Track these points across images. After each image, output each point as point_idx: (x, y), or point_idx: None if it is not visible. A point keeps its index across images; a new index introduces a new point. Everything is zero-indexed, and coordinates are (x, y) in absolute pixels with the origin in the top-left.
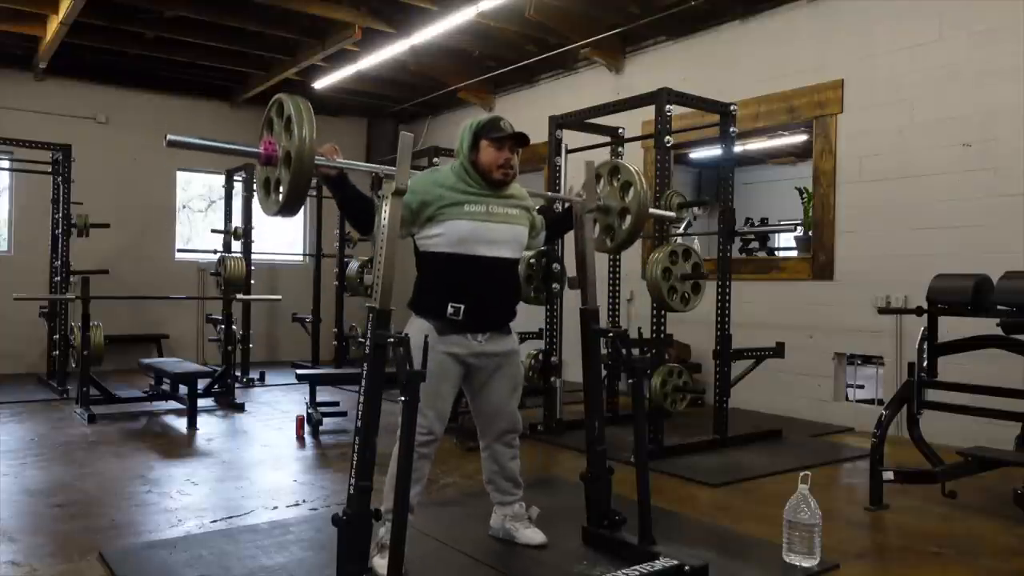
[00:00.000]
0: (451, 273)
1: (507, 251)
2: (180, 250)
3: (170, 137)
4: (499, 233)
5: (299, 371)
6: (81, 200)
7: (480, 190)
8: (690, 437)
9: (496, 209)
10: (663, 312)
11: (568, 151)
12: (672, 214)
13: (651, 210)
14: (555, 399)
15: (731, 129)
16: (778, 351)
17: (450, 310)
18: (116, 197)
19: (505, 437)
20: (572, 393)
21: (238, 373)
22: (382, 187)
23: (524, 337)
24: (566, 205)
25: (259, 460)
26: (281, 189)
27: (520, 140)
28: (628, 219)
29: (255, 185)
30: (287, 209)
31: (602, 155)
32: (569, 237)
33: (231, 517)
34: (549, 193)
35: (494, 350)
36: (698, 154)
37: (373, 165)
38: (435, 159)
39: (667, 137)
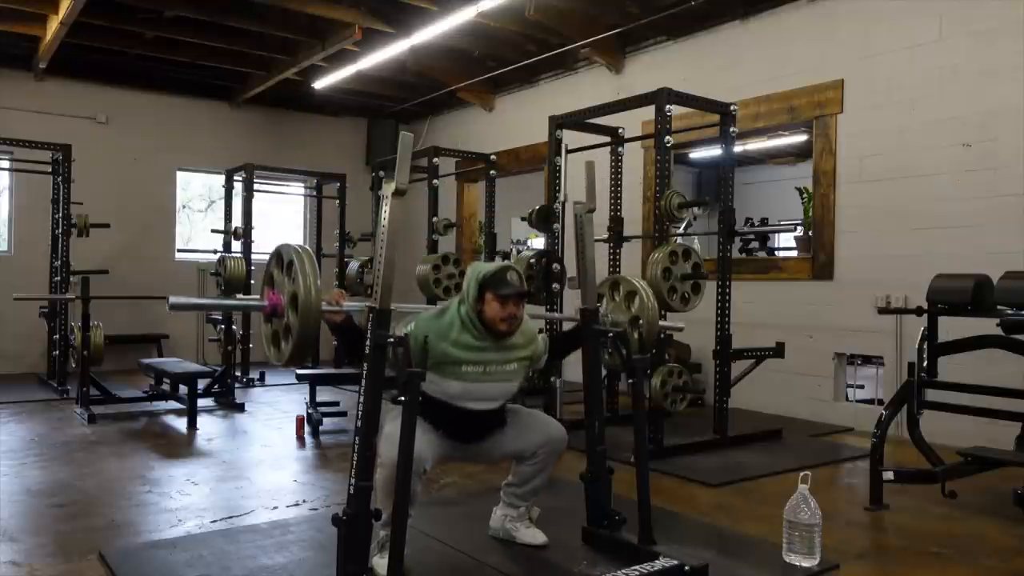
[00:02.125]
0: (440, 413)
1: (496, 404)
2: (180, 250)
3: (172, 300)
4: (491, 392)
5: (299, 371)
6: (81, 200)
7: (481, 342)
8: (690, 437)
9: (493, 368)
10: (663, 312)
11: (568, 151)
12: (680, 325)
13: (660, 322)
14: (555, 399)
15: (731, 129)
16: (778, 351)
17: (433, 425)
18: (116, 197)
19: (556, 447)
20: (572, 393)
21: (238, 373)
22: (382, 187)
23: None
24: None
25: (259, 460)
26: (290, 336)
27: (526, 296)
28: (641, 325)
29: (264, 342)
30: (298, 357)
31: (602, 155)
32: (569, 237)
33: (231, 517)
34: (556, 315)
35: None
36: (698, 154)
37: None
38: (435, 159)
39: (667, 137)
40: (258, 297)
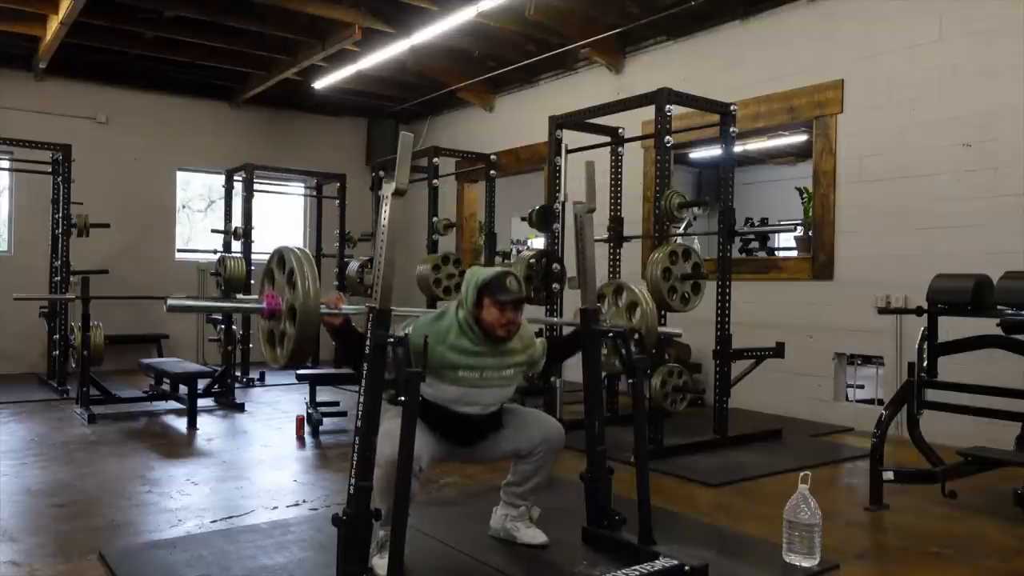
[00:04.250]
0: (436, 415)
1: (491, 409)
2: (180, 250)
3: (170, 302)
4: (486, 398)
5: (299, 371)
6: (81, 200)
7: (479, 347)
8: (690, 437)
9: (490, 373)
10: (663, 312)
11: (568, 151)
12: (679, 331)
13: (659, 329)
14: (555, 399)
15: (731, 129)
16: (778, 351)
17: (431, 428)
18: (116, 197)
19: (554, 445)
20: (572, 393)
21: (238, 373)
22: (382, 187)
23: None
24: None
25: (259, 460)
26: (287, 343)
27: (524, 302)
28: (637, 338)
29: (260, 339)
30: (294, 362)
31: (602, 155)
32: (569, 238)
33: (231, 517)
34: (554, 319)
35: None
36: (698, 154)
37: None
38: (435, 159)
39: (667, 137)
40: (256, 299)
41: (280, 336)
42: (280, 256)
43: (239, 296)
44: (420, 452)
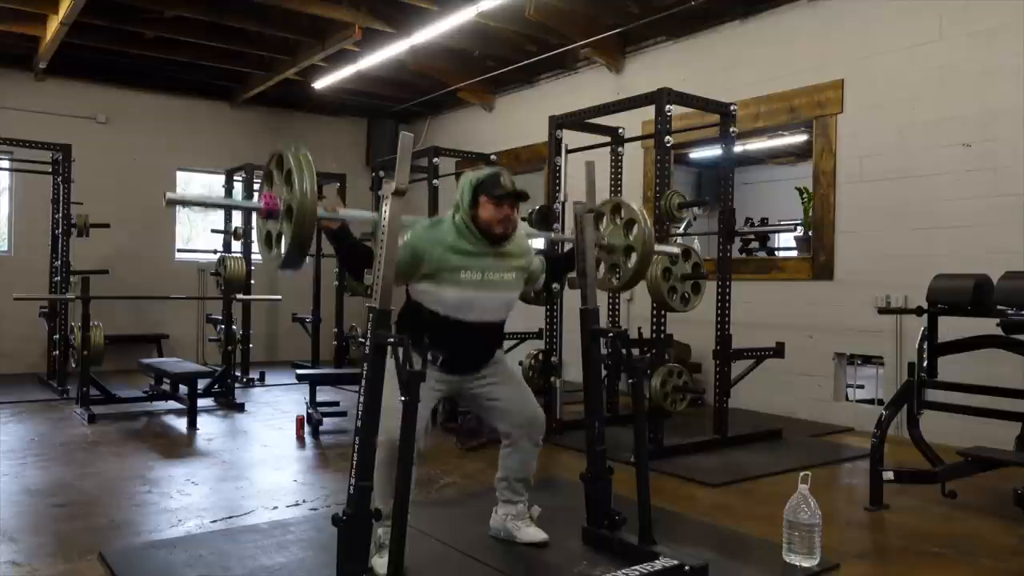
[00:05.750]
0: (436, 328)
1: (494, 316)
2: (180, 250)
3: (168, 196)
4: (489, 302)
5: (299, 371)
6: (81, 200)
7: (478, 248)
8: (690, 437)
9: (491, 275)
10: (663, 312)
11: (568, 151)
12: (676, 250)
13: (656, 247)
14: (555, 399)
15: (731, 129)
16: (778, 351)
17: (429, 356)
18: (116, 197)
19: (530, 433)
20: (572, 393)
21: (238, 373)
22: (382, 187)
23: (524, 337)
24: (567, 246)
25: (259, 460)
26: (283, 243)
27: (520, 197)
28: (633, 257)
29: (256, 239)
30: (290, 263)
31: (602, 155)
32: (568, 237)
33: (231, 517)
34: (551, 235)
35: (475, 379)
36: (698, 154)
37: (373, 214)
38: (435, 159)
39: (667, 137)
40: (255, 200)
41: (277, 236)
42: (279, 157)
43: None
44: (421, 411)
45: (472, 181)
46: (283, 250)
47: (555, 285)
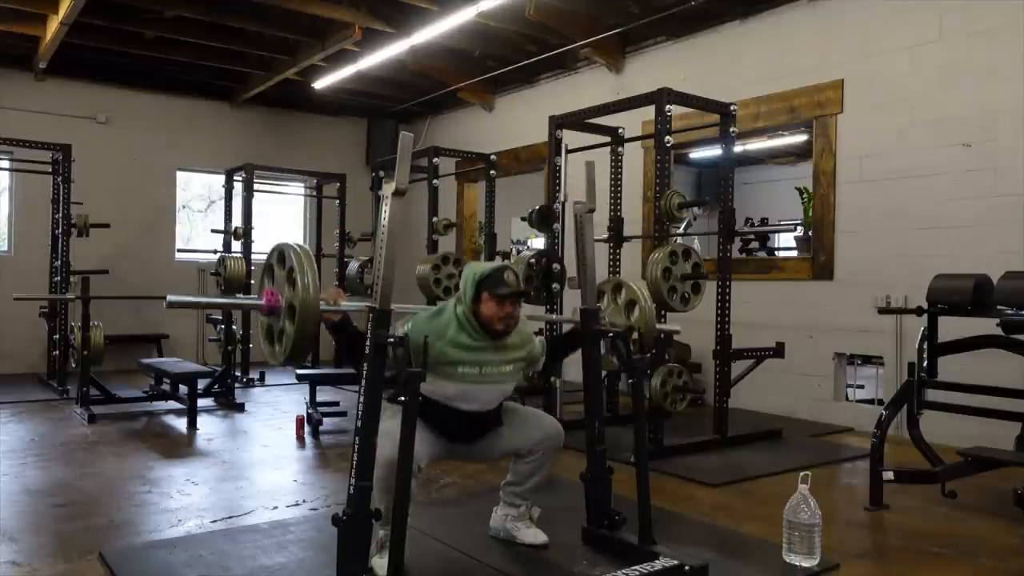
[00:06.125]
0: (436, 412)
1: (491, 406)
2: (180, 250)
3: (170, 298)
4: (486, 394)
5: (299, 371)
6: (81, 200)
7: (478, 342)
8: (690, 437)
9: (490, 369)
10: (663, 312)
11: (568, 151)
12: (677, 328)
13: (657, 326)
14: (555, 399)
15: (731, 129)
16: (778, 351)
17: (431, 426)
18: (116, 197)
19: (554, 444)
20: (572, 393)
21: (238, 373)
22: (382, 187)
23: None
24: (566, 327)
25: (259, 460)
26: (284, 340)
27: (523, 295)
28: (635, 335)
29: (260, 335)
30: (293, 360)
31: (602, 155)
32: (569, 237)
33: (231, 517)
34: (553, 316)
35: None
36: (698, 154)
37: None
38: (435, 159)
39: (667, 137)
40: (256, 297)
41: (279, 333)
42: (280, 253)
43: (239, 296)
44: (419, 452)
45: (476, 276)
46: (286, 348)
47: (555, 285)
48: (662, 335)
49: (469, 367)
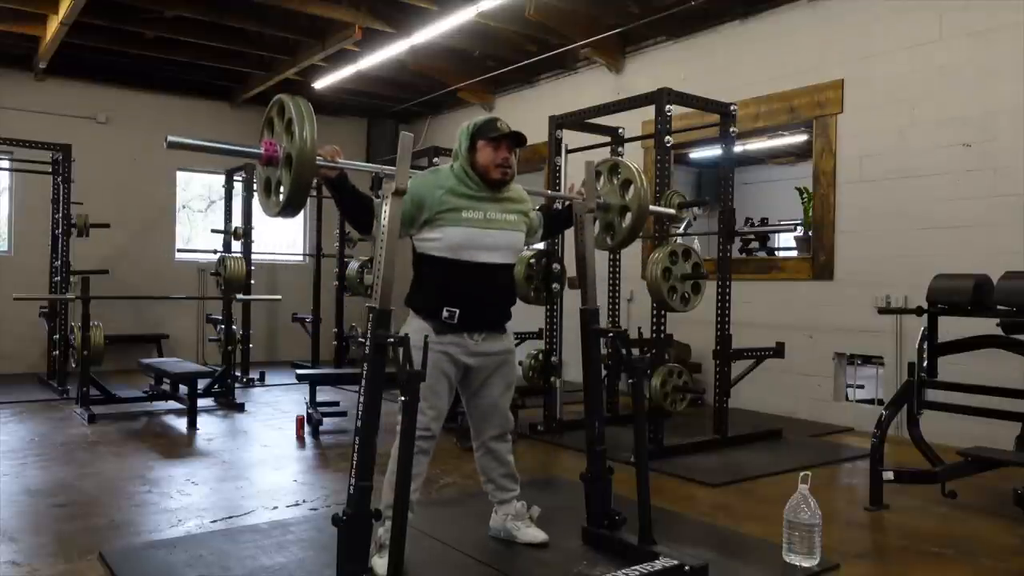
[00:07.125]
0: (447, 277)
1: (503, 257)
2: (180, 250)
3: (170, 138)
4: (495, 239)
5: (299, 371)
6: (81, 200)
7: (479, 192)
8: (690, 437)
9: (493, 215)
10: (663, 312)
11: (568, 151)
12: (672, 211)
13: (651, 207)
14: (555, 399)
15: (731, 129)
16: (778, 351)
17: (445, 313)
18: (116, 197)
19: (500, 434)
20: (572, 393)
21: (238, 373)
22: (382, 187)
23: (524, 337)
24: (565, 203)
25: (259, 460)
26: (282, 190)
27: (517, 139)
28: (628, 217)
29: (255, 186)
30: (288, 210)
31: (602, 155)
32: (569, 237)
33: (231, 517)
34: (549, 192)
35: (490, 350)
36: (698, 154)
37: (373, 165)
38: (435, 159)
39: (667, 137)
40: (255, 147)
41: (276, 184)
42: (280, 105)
43: (238, 145)
44: (429, 420)
45: (469, 127)
46: (282, 198)
47: (555, 285)
48: (663, 332)
49: (473, 212)
